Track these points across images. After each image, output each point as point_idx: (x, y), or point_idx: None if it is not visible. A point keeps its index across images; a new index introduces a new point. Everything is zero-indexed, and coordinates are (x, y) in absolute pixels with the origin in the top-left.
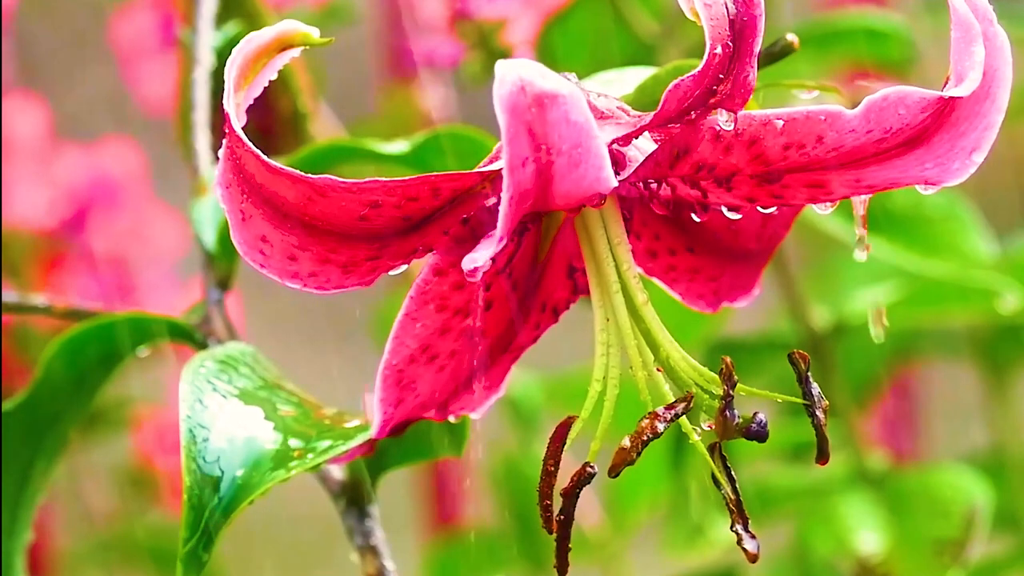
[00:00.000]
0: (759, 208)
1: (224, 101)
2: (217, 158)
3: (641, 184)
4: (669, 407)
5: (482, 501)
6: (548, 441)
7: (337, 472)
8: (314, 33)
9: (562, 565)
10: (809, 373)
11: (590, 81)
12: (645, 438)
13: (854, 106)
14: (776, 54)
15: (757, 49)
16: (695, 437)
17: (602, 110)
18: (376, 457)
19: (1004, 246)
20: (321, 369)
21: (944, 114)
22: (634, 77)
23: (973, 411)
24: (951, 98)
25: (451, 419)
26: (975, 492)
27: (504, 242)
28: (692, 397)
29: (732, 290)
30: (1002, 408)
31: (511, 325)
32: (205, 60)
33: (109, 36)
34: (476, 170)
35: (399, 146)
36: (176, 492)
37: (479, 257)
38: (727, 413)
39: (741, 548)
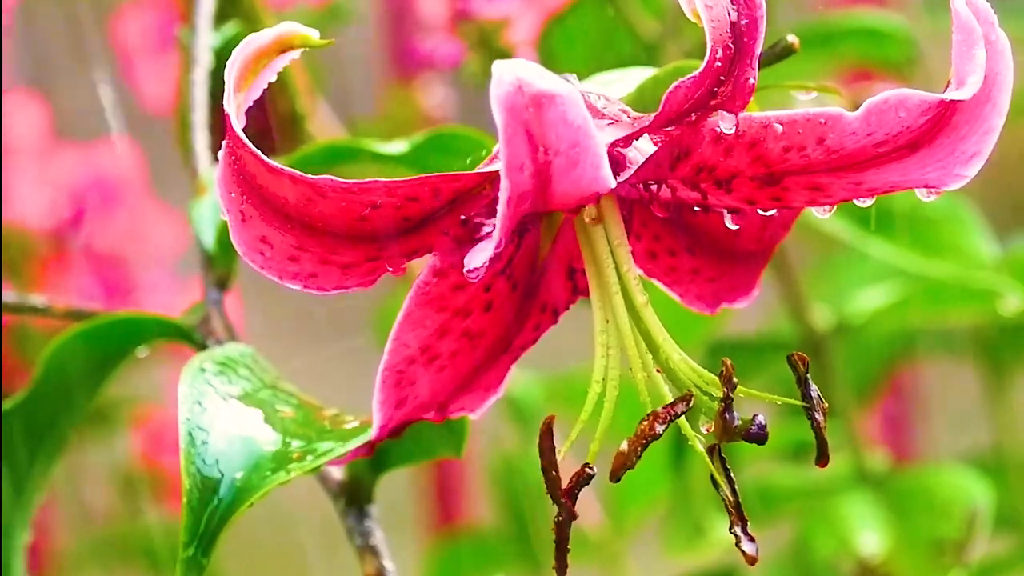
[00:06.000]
0: (759, 210)
1: (224, 102)
2: (216, 158)
3: (641, 186)
4: (667, 408)
5: (482, 501)
6: (538, 444)
7: (336, 472)
8: (314, 35)
9: (561, 566)
10: (808, 375)
11: (590, 82)
12: (644, 440)
13: (855, 108)
14: (776, 55)
15: (758, 51)
16: (694, 439)
17: (602, 111)
18: (376, 457)
19: (1004, 246)
20: (321, 370)
21: (945, 117)
22: (634, 78)
23: (973, 411)
24: (952, 101)
25: (450, 419)
26: (975, 492)
27: (503, 243)
28: (691, 397)
29: (731, 291)
30: (1002, 408)
31: (511, 326)
32: (203, 60)
33: (109, 36)
34: (476, 171)
35: (399, 146)
36: (175, 492)
37: (479, 258)
38: (727, 415)
39: (740, 550)
